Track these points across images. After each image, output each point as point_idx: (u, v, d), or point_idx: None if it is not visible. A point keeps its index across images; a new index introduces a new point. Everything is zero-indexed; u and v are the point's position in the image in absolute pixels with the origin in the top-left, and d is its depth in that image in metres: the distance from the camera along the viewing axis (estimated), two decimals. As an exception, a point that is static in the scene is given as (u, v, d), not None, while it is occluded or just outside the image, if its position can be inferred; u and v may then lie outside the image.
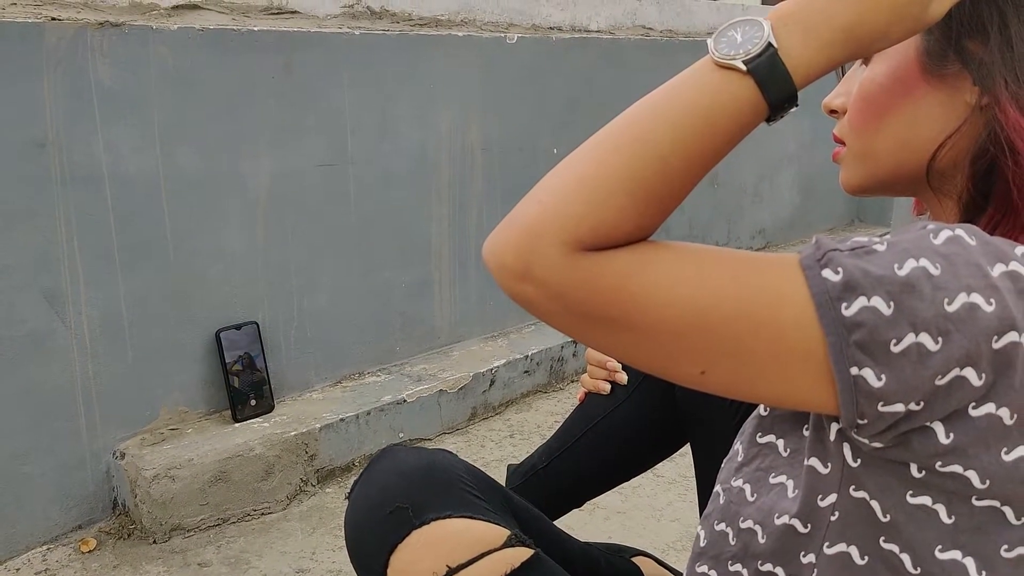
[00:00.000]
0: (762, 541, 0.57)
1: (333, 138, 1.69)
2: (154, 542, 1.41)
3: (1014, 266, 0.46)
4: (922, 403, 0.46)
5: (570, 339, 2.11)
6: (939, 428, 0.46)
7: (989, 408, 0.46)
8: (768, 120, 0.51)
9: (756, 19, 0.50)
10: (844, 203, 3.54)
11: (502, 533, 0.69)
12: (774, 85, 0.49)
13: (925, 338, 0.44)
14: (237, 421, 1.56)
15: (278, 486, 1.52)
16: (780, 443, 0.58)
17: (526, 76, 2.08)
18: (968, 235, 0.47)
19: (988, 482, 0.47)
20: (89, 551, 1.38)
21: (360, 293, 1.80)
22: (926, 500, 0.49)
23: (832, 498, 0.52)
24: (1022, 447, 0.46)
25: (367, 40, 1.72)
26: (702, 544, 0.62)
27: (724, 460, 0.64)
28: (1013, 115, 0.52)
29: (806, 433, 0.55)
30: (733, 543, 0.59)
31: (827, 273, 0.46)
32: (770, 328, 0.47)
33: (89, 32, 1.32)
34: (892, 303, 0.45)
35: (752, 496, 0.59)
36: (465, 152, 1.96)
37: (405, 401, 1.72)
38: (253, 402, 1.59)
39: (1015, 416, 0.45)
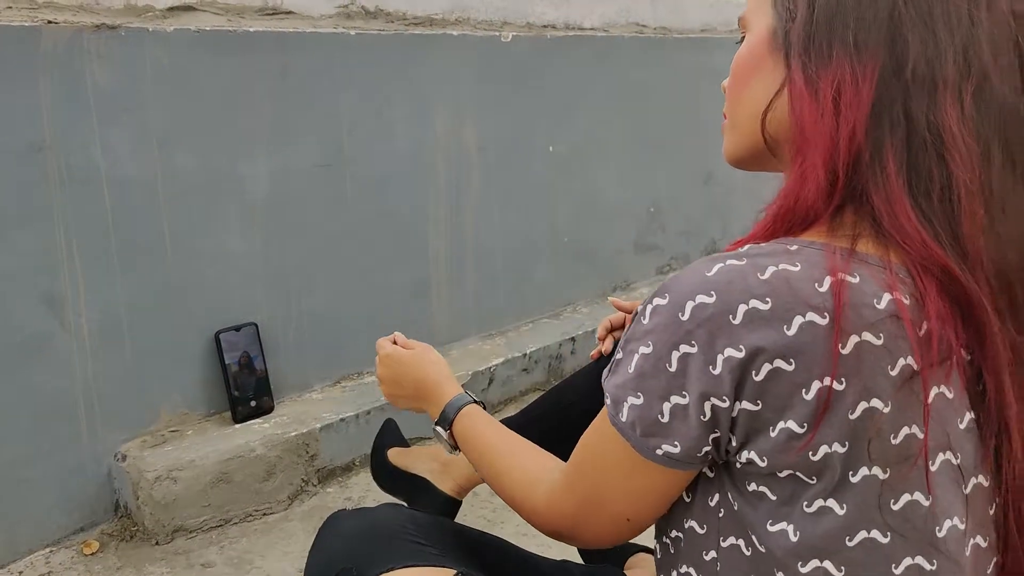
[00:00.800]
0: (682, 546, 0.65)
1: (329, 139, 1.69)
2: (157, 543, 1.41)
3: (701, 298, 0.54)
4: (717, 431, 0.56)
5: (568, 337, 2.12)
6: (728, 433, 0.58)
7: (738, 406, 0.55)
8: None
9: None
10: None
11: (447, 574, 0.73)
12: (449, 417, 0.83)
13: (675, 399, 0.56)
14: (237, 422, 1.57)
15: (279, 486, 1.53)
16: None
17: (521, 74, 2.08)
18: (661, 297, 0.57)
19: (766, 459, 0.55)
20: (92, 553, 1.39)
21: (358, 293, 1.80)
22: (753, 485, 0.58)
23: (717, 497, 0.61)
24: (780, 423, 0.54)
25: (362, 40, 1.72)
26: (657, 556, 0.69)
27: None
28: (798, 83, 0.57)
29: None
30: (673, 552, 0.67)
31: (608, 402, 0.60)
32: (622, 465, 0.61)
33: (85, 35, 1.32)
34: (640, 393, 0.57)
35: (670, 511, 0.67)
36: (461, 151, 1.96)
37: (405, 400, 1.73)
38: (253, 403, 1.59)
39: (759, 404, 0.54)
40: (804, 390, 0.52)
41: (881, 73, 0.55)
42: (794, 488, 0.56)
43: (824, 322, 0.51)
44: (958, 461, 0.56)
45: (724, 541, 0.61)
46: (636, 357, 0.57)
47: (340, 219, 1.73)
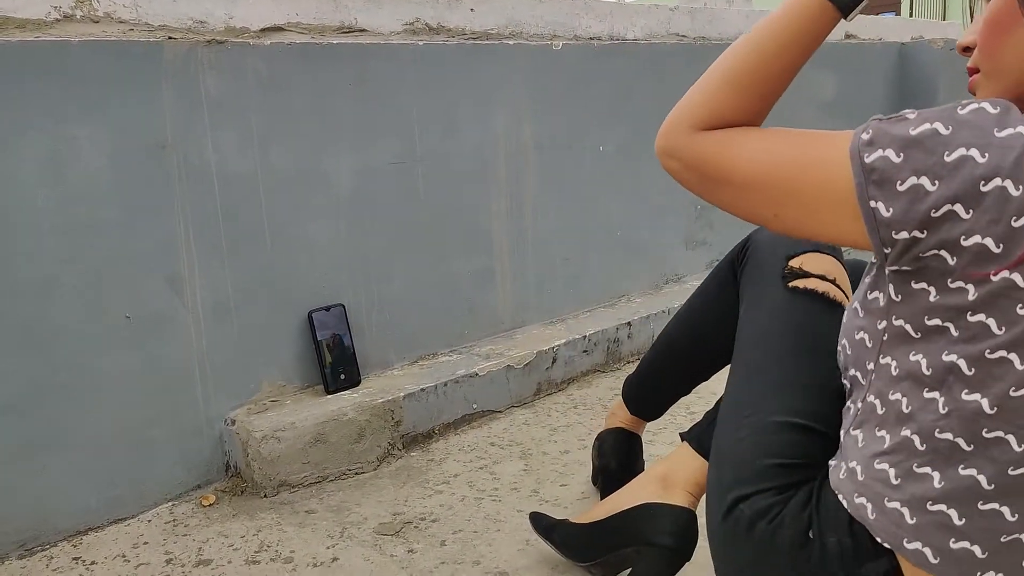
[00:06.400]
0: (849, 353, 0.79)
1: (403, 138, 1.88)
2: (265, 496, 1.58)
3: (1021, 128, 0.60)
4: (925, 231, 0.62)
5: (624, 322, 2.26)
6: (946, 254, 0.63)
7: (976, 239, 0.61)
8: (845, 18, 0.73)
9: None
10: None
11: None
12: None
13: (924, 180, 0.62)
14: (329, 393, 1.74)
15: (369, 448, 1.69)
16: (867, 279, 0.77)
17: (571, 80, 2.25)
18: (992, 106, 0.61)
19: (977, 295, 0.63)
20: (209, 504, 1.56)
21: (431, 281, 1.97)
22: (937, 321, 0.66)
23: (884, 324, 0.71)
24: (1005, 271, 0.61)
25: (429, 50, 1.92)
26: (839, 357, 0.84)
27: None
28: None
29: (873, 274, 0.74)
30: (840, 358, 0.82)
31: (863, 135, 0.65)
32: (820, 178, 0.67)
33: (199, 48, 1.53)
34: (901, 154, 0.62)
35: (846, 320, 0.80)
36: (519, 150, 2.14)
37: (477, 375, 1.88)
38: (343, 375, 1.76)
39: (1000, 246, 0.60)
40: None
41: None
42: (978, 332, 0.63)
43: None
44: None
45: (883, 358, 0.72)
46: (927, 127, 0.61)
47: (413, 212, 1.91)
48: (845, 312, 0.82)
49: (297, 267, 1.72)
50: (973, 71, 0.73)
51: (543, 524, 1.27)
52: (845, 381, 0.82)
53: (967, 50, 0.74)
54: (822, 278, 0.99)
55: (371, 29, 1.95)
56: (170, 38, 1.51)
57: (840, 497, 0.77)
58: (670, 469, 1.10)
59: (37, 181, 1.38)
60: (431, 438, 1.81)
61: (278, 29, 1.78)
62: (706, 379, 1.37)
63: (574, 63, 2.25)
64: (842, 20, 0.73)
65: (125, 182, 1.47)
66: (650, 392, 1.42)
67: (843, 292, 1.00)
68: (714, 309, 1.24)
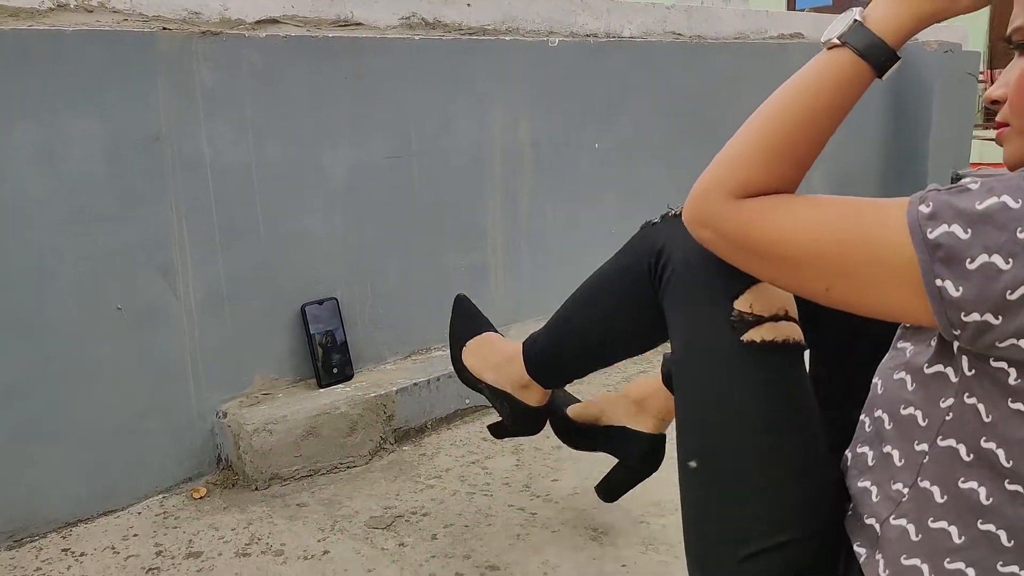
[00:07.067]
0: (888, 427, 0.70)
1: (399, 133, 1.87)
2: (256, 489, 1.58)
3: None
4: (999, 316, 0.56)
5: (618, 318, 2.26)
6: None
7: None
8: (879, 76, 0.68)
9: (852, 8, 0.69)
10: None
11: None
12: (868, 48, 0.67)
13: (997, 259, 0.56)
14: (321, 387, 1.73)
15: (361, 442, 1.69)
16: (908, 347, 0.71)
17: (568, 77, 2.25)
18: None
19: None
20: (200, 497, 1.56)
21: (425, 276, 1.97)
22: (1020, 406, 0.60)
23: (950, 401, 0.64)
24: None
25: (425, 45, 1.91)
26: (867, 429, 0.75)
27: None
28: None
29: (932, 344, 0.67)
30: (869, 429, 0.73)
31: (922, 207, 0.59)
32: (874, 253, 0.61)
33: (194, 40, 1.53)
34: (969, 230, 0.57)
35: (881, 390, 0.72)
36: (515, 146, 2.13)
37: (470, 370, 1.88)
38: (335, 370, 1.76)
39: None
40: None
41: None
42: None
43: None
44: None
45: (943, 441, 0.64)
46: (994, 200, 0.56)
47: (408, 206, 1.91)
48: (878, 376, 0.73)
49: (291, 260, 1.72)
50: (1002, 124, 0.69)
51: (559, 405, 1.36)
52: (863, 448, 0.74)
53: (996, 103, 0.70)
54: (775, 318, 0.81)
55: (367, 23, 1.95)
56: (165, 29, 1.50)
57: None
58: (645, 395, 1.25)
59: (30, 172, 1.37)
60: (423, 433, 1.81)
61: (274, 21, 1.78)
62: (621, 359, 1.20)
63: (570, 60, 2.25)
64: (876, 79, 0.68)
65: (119, 173, 1.47)
66: (561, 370, 1.26)
67: (798, 325, 0.84)
68: (630, 316, 1.05)
